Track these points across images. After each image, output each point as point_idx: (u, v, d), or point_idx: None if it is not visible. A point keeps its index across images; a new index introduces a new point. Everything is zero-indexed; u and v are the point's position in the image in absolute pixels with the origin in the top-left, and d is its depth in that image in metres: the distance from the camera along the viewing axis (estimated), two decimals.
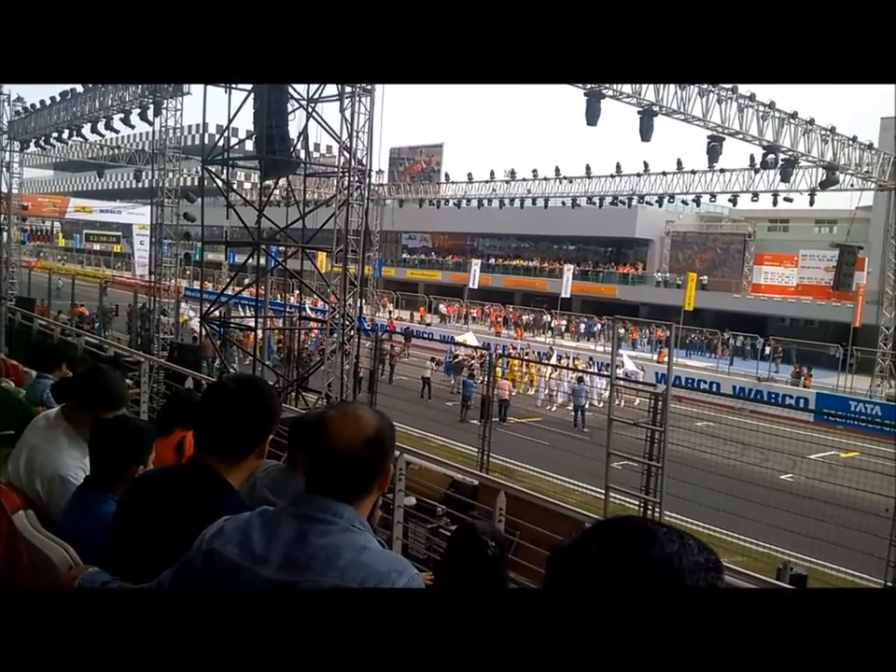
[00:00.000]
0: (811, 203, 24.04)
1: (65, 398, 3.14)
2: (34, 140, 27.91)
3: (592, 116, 15.09)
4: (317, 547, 1.46)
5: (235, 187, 20.32)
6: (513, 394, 19.46)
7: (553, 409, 20.01)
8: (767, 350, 27.74)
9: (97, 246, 59.08)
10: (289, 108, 14.83)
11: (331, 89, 14.97)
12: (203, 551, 1.56)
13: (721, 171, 25.62)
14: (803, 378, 25.33)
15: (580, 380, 19.21)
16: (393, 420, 1.64)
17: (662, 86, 16.09)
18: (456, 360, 23.01)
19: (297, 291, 24.27)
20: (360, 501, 1.55)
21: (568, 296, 35.20)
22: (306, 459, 1.59)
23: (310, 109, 14.83)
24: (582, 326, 35.08)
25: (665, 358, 24.47)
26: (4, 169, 26.95)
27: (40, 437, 2.89)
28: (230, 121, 14.47)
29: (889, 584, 8.06)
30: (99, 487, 2.45)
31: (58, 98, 25.45)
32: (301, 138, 15.27)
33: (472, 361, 21.89)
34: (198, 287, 20.99)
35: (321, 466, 1.54)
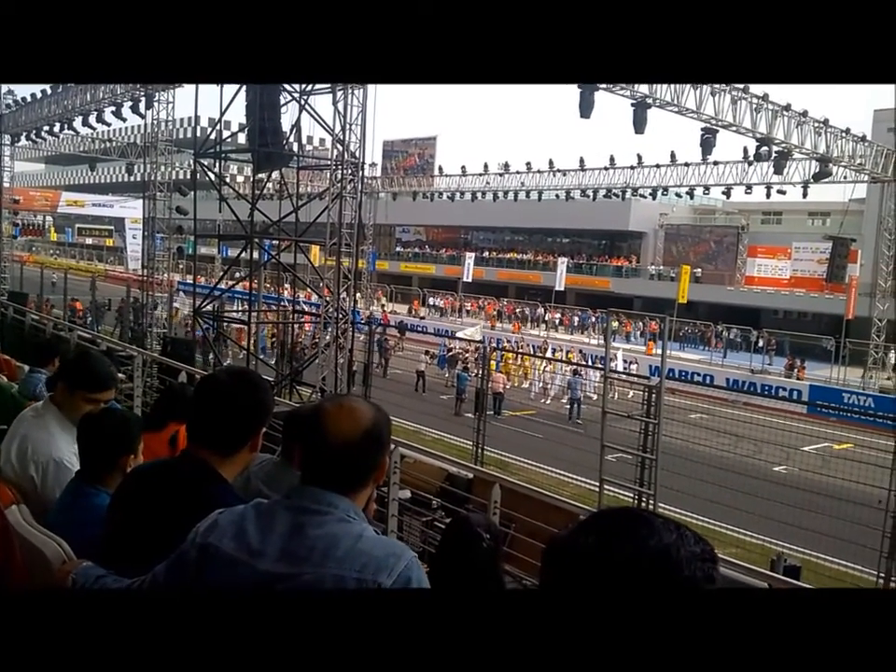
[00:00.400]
0: (804, 195, 24.09)
1: (55, 385, 3.12)
2: (24, 133, 27.73)
3: (585, 108, 15.06)
4: (314, 538, 1.45)
5: (228, 180, 20.17)
6: (508, 387, 19.48)
7: (548, 402, 20.03)
8: (761, 342, 27.80)
9: (89, 240, 58.74)
10: (282, 101, 14.76)
11: None
12: (197, 544, 1.54)
13: (715, 163, 25.65)
14: (796, 370, 25.41)
15: (575, 372, 19.25)
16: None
17: None
18: (451, 354, 23.02)
19: (287, 285, 24.18)
20: (356, 493, 1.54)
21: (562, 289, 35.21)
22: (302, 452, 1.57)
23: (303, 102, 14.77)
24: (576, 319, 35.09)
25: (656, 351, 24.54)
26: None
27: (29, 425, 2.86)
28: (222, 114, 14.37)
29: (882, 575, 8.11)
30: (91, 480, 2.43)
31: (49, 91, 25.26)
32: (294, 131, 15.20)
33: (467, 355, 21.91)
34: (191, 281, 20.89)
35: (318, 459, 1.53)
